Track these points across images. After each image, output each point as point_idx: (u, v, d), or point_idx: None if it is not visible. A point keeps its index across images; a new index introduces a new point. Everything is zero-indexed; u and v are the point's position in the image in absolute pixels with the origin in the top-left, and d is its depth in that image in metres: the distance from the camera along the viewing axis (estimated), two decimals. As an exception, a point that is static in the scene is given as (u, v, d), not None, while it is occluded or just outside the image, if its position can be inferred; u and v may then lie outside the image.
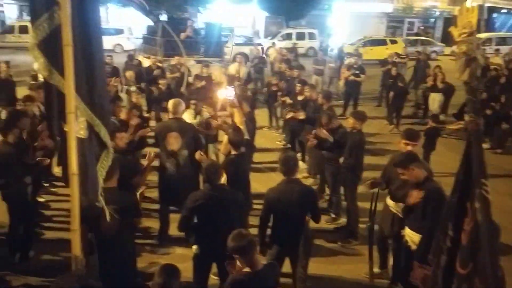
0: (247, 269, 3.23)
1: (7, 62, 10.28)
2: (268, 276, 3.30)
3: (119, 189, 4.12)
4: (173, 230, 5.15)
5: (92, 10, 3.10)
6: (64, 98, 3.06)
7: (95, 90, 3.18)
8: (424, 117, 12.78)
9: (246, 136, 5.44)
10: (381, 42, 27.23)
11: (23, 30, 25.81)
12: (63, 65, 2.99)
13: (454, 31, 2.54)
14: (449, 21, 42.09)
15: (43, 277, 5.11)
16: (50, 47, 2.98)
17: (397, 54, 15.89)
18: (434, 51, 29.48)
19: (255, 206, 5.75)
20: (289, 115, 7.01)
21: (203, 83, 10.65)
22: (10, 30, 27.07)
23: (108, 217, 3.46)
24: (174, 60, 12.26)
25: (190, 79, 10.73)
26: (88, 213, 3.77)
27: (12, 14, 36.71)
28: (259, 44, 24.11)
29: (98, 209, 3.75)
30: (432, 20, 43.36)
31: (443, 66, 13.55)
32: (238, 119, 5.69)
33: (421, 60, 15.37)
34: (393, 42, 27.88)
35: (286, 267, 4.55)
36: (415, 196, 4.27)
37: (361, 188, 6.27)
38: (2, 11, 36.55)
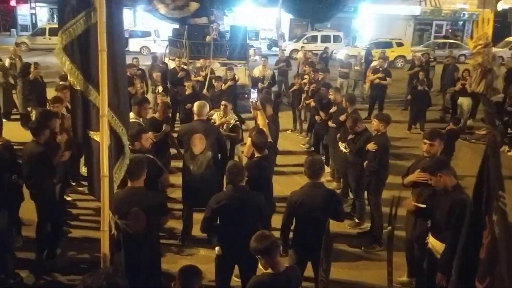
0: (269, 271, 3.23)
1: (36, 64, 10.53)
2: (290, 278, 3.29)
3: (145, 189, 4.17)
4: (197, 231, 5.18)
5: (117, 15, 3.13)
6: (88, 103, 3.10)
7: (120, 97, 3.23)
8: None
9: (269, 139, 5.43)
10: (387, 45, 26.61)
11: (53, 32, 26.47)
12: (90, 69, 3.03)
13: (470, 43, 2.55)
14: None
15: (70, 274, 5.22)
16: (76, 52, 3.02)
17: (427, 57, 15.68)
18: (463, 55, 28.92)
19: (278, 209, 5.75)
20: None
21: (231, 83, 10.71)
22: (41, 32, 27.81)
23: (114, 230, 3.43)
24: (199, 63, 12.37)
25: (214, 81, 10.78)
26: (116, 212, 3.86)
27: (43, 16, 37.77)
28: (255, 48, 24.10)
29: (126, 207, 3.82)
30: (461, 22, 42.52)
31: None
32: (262, 122, 5.69)
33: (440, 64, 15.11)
34: (400, 44, 27.48)
35: (308, 271, 4.52)
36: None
37: (385, 193, 6.19)
38: (34, 14, 37.61)
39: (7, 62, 12.15)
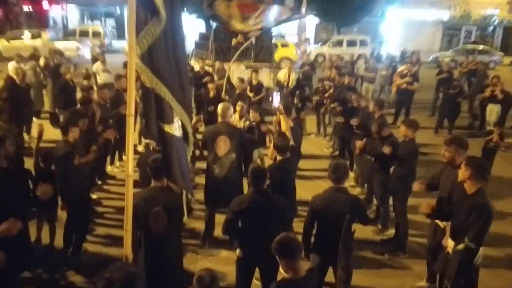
0: (289, 275, 3.20)
1: (68, 67, 10.67)
2: (309, 285, 3.24)
3: (167, 189, 4.19)
4: (218, 232, 5.20)
5: (178, 17, 3.32)
6: (161, 101, 3.27)
7: (185, 93, 3.46)
8: (481, 129, 12.28)
9: (292, 143, 5.39)
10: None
11: (84, 34, 27.07)
12: (160, 69, 3.19)
13: None
14: (509, 29, 40.28)
15: (94, 270, 5.29)
16: (148, 56, 3.16)
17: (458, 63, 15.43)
18: (493, 61, 28.27)
19: (300, 213, 5.71)
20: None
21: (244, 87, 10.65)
22: (72, 33, 28.41)
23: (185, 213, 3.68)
24: (218, 64, 12.38)
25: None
26: (139, 211, 3.90)
27: (74, 18, 38.64)
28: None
29: (148, 207, 3.87)
30: (491, 28, 41.59)
31: (502, 76, 12.96)
32: (285, 126, 5.66)
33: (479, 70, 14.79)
34: (284, 45, 26.58)
35: (329, 277, 4.47)
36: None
37: (410, 200, 6.09)
38: (65, 15, 38.53)
39: (41, 61, 12.47)
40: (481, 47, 30.59)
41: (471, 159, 4.23)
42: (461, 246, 4.07)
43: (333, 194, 4.27)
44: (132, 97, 3.06)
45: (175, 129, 3.40)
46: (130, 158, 3.10)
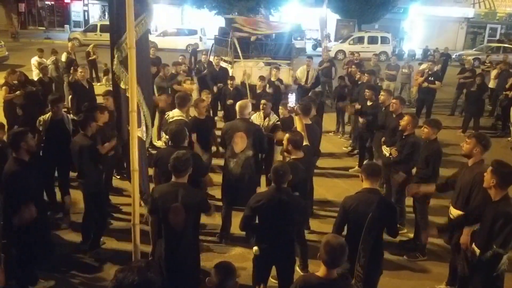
0: (320, 273, 3.10)
1: (77, 67, 10.64)
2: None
3: (188, 185, 4.18)
4: (235, 229, 5.18)
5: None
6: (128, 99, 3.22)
7: (149, 93, 3.43)
8: (504, 129, 12.02)
9: (306, 143, 5.29)
10: None
11: (105, 29, 27.33)
12: (139, 77, 3.14)
13: None
14: (536, 27, 39.34)
15: (111, 265, 5.33)
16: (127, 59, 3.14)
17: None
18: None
19: (321, 212, 5.65)
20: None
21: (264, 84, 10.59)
22: (93, 28, 28.75)
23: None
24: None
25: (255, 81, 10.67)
26: (159, 206, 3.94)
27: (95, 13, 39.13)
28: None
29: (168, 202, 3.89)
30: (517, 26, 40.65)
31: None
32: (300, 127, 5.55)
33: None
34: None
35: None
36: None
37: (431, 201, 5.97)
38: (87, 10, 39.04)
39: (64, 56, 12.64)
40: (506, 45, 29.91)
41: (498, 166, 4.02)
42: (489, 254, 3.96)
43: (365, 195, 4.10)
44: (134, 93, 3.05)
45: (142, 132, 3.37)
46: (135, 153, 3.10)
